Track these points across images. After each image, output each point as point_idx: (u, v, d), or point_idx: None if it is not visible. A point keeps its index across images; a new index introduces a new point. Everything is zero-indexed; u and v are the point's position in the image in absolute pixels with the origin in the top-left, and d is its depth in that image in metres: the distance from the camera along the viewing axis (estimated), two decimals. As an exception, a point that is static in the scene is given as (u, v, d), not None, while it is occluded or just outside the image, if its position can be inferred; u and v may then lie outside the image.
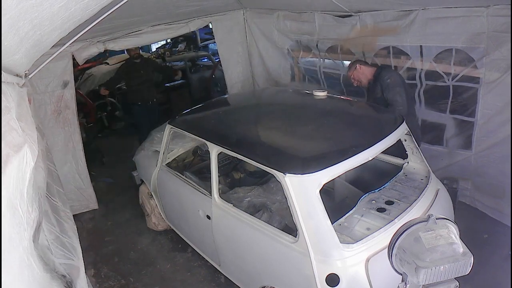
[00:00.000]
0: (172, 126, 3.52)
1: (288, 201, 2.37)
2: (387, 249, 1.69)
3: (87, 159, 4.70)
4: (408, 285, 1.59)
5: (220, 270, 3.25)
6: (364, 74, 3.66)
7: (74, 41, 2.82)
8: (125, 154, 5.67)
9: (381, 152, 2.69)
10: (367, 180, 3.21)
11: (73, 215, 2.59)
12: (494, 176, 3.65)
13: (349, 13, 4.33)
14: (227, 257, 3.06)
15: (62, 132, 4.43)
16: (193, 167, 3.94)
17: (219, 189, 2.99)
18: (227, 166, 3.90)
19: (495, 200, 3.70)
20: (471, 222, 3.64)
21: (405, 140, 3.00)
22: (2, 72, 1.30)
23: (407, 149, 3.04)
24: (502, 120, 3.45)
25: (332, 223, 2.30)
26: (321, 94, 3.38)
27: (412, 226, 1.62)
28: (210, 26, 5.94)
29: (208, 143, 3.02)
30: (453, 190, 3.43)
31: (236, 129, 3.17)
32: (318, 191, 2.29)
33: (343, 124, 3.06)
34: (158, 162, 3.78)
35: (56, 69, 4.13)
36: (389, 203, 2.68)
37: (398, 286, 1.63)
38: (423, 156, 3.01)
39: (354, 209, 2.62)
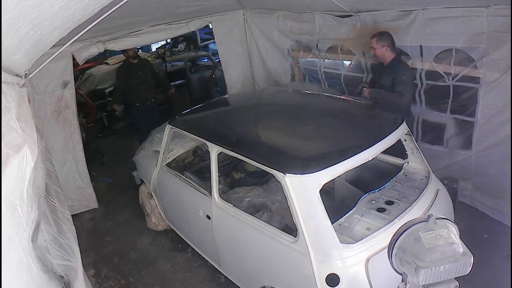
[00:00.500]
0: (172, 126, 3.52)
1: (288, 201, 2.37)
2: (387, 249, 1.69)
3: (87, 159, 4.70)
4: (408, 285, 1.59)
5: (220, 270, 3.25)
6: (384, 56, 3.69)
7: (74, 41, 2.82)
8: (125, 154, 5.67)
9: (381, 152, 2.69)
10: (367, 180, 3.21)
11: (73, 215, 2.58)
12: (494, 176, 3.65)
13: (349, 13, 4.33)
14: (227, 257, 3.06)
15: (62, 132, 4.43)
16: (193, 167, 3.94)
17: (219, 189, 2.99)
18: (227, 166, 3.90)
19: (495, 200, 3.70)
20: (471, 222, 3.63)
21: (405, 140, 3.00)
22: (2, 72, 1.30)
23: (407, 149, 3.04)
24: (502, 120, 3.45)
25: (332, 223, 2.30)
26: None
27: (412, 226, 1.62)
28: (210, 26, 5.93)
29: (208, 143, 3.02)
30: (453, 190, 3.42)
31: (236, 129, 3.17)
32: (318, 191, 2.29)
33: (343, 124, 3.06)
34: (158, 162, 3.78)
35: (56, 69, 4.13)
36: (389, 203, 2.68)
37: (398, 286, 1.63)
38: (423, 156, 3.01)
39: (354, 209, 2.62)
